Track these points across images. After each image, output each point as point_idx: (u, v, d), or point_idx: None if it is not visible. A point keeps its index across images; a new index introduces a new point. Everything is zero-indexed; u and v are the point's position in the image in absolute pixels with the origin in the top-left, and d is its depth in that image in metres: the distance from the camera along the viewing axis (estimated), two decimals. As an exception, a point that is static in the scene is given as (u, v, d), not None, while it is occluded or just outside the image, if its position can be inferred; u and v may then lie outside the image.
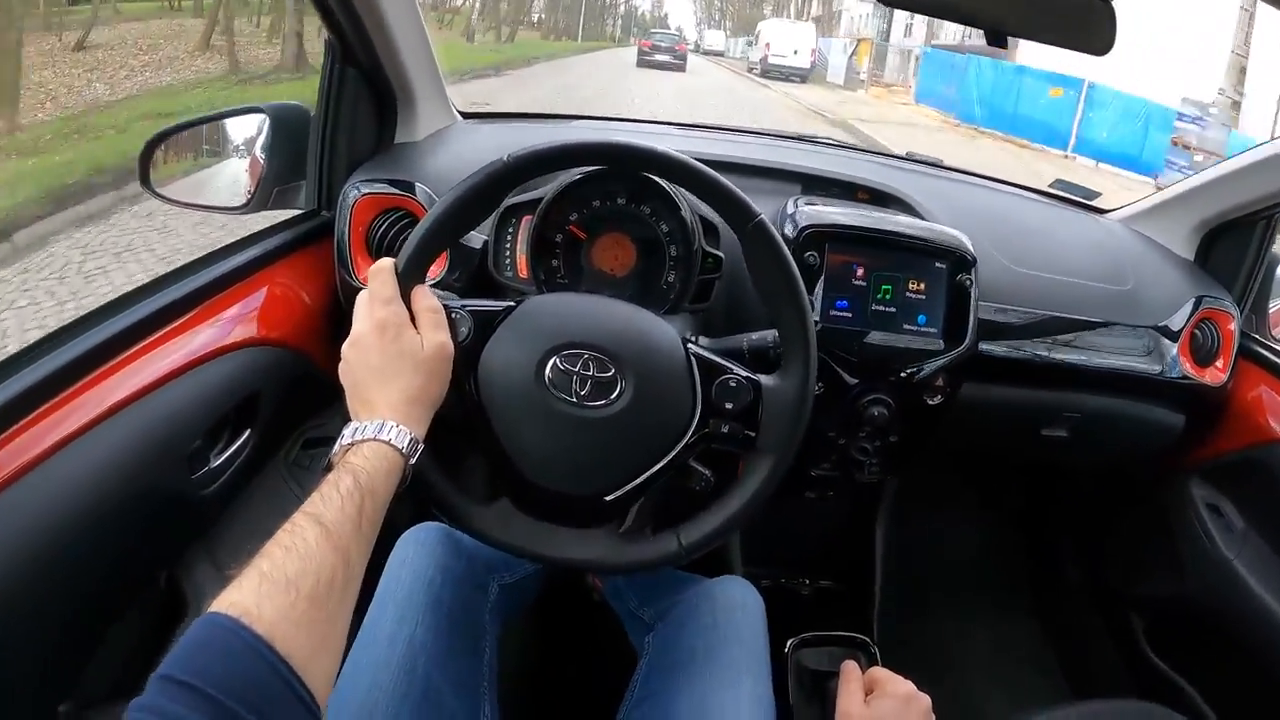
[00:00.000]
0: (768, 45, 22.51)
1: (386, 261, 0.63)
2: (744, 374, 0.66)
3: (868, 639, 0.93)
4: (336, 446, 0.56)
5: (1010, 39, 0.82)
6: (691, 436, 0.65)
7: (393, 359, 0.58)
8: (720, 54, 44.08)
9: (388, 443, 0.55)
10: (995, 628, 1.42)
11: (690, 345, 0.66)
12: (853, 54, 24.27)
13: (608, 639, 0.94)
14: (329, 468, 0.54)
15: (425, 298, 0.62)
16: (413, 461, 0.56)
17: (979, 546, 1.51)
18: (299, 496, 0.93)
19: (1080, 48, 0.85)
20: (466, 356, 0.63)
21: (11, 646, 0.61)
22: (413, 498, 0.60)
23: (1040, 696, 1.31)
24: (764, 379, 0.66)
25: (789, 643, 0.90)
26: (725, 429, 0.65)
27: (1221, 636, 1.08)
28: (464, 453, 0.98)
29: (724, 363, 0.66)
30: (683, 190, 0.83)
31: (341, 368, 0.61)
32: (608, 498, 0.64)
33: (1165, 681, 1.17)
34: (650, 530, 0.67)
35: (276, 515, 0.90)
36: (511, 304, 0.66)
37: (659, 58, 20.39)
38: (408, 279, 0.62)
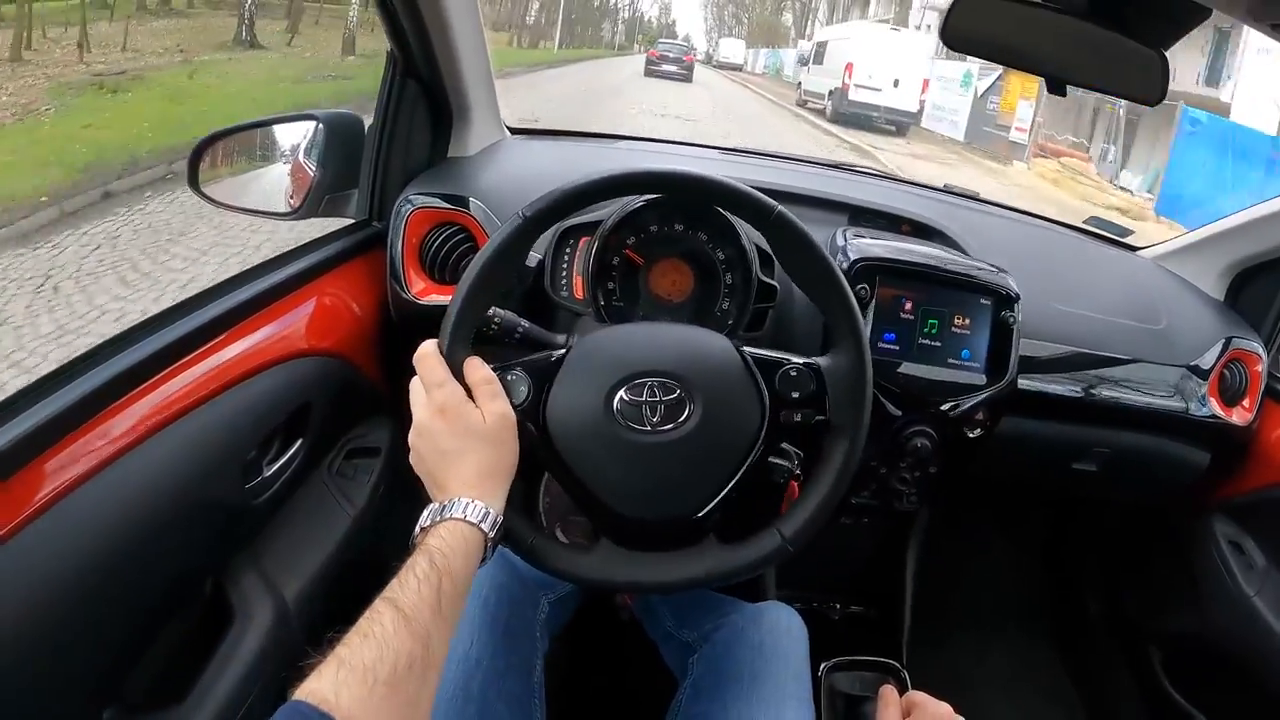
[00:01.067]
0: (849, 70, 13.54)
1: (430, 345, 0.63)
2: (801, 361, 0.67)
3: (898, 664, 0.94)
4: (416, 530, 0.57)
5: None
6: (766, 433, 0.66)
7: (458, 438, 0.59)
8: (737, 67, 37.83)
9: (463, 519, 0.56)
10: (1017, 657, 1.43)
11: (744, 349, 0.68)
12: (989, 92, 12.91)
13: (639, 657, 0.95)
14: (411, 549, 0.55)
15: (478, 369, 0.63)
16: (491, 535, 0.57)
17: (1004, 576, 1.52)
18: (343, 506, 0.95)
19: (1134, 97, 0.87)
20: (531, 414, 0.64)
21: (62, 651, 0.62)
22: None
23: None
24: (821, 360, 0.68)
25: (822, 666, 0.91)
26: (797, 417, 0.67)
27: (1240, 673, 1.10)
28: (537, 497, 0.99)
29: (780, 356, 0.68)
30: (740, 220, 0.84)
31: (412, 458, 0.62)
32: (699, 514, 0.64)
33: (1183, 716, 1.19)
34: (743, 533, 0.68)
35: (321, 524, 0.92)
36: (563, 350, 0.66)
37: (667, 67, 20.55)
38: (454, 355, 0.63)
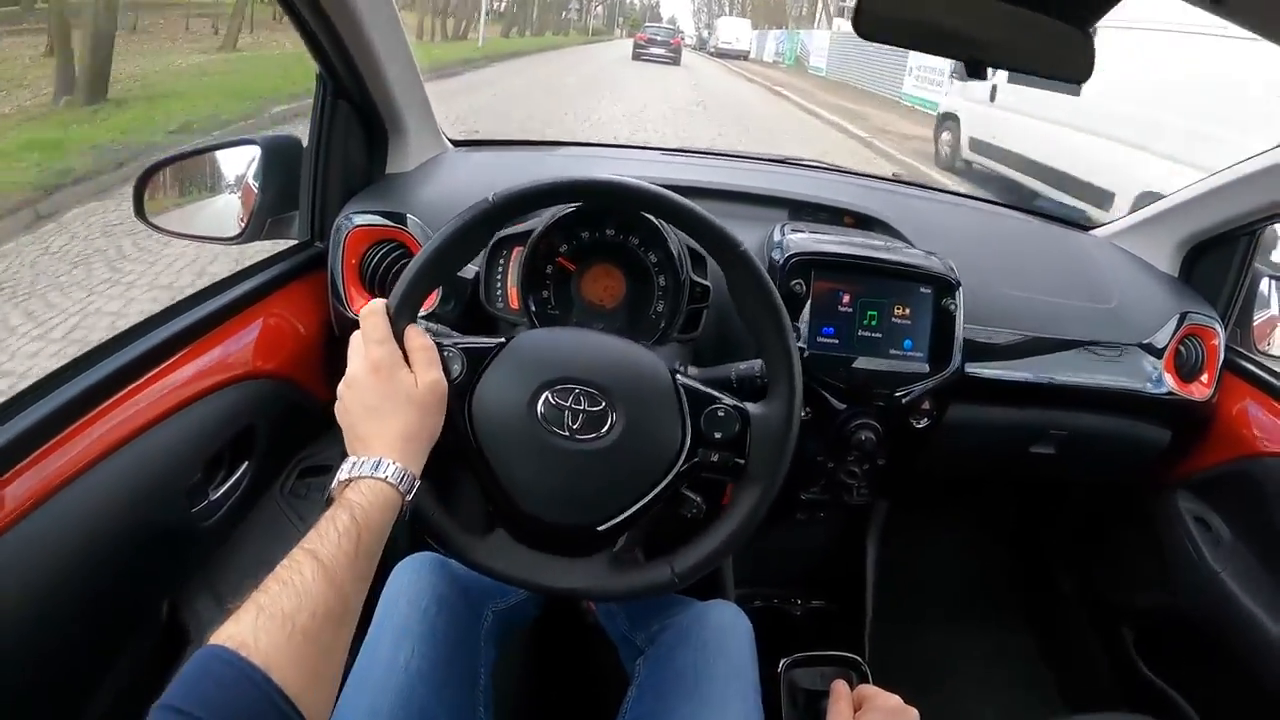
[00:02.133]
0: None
1: (378, 303, 0.64)
2: (731, 403, 0.67)
3: (859, 658, 0.94)
4: (334, 482, 0.57)
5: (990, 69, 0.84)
6: (682, 466, 0.66)
7: (388, 398, 0.60)
8: (742, 55, 29.24)
9: (384, 479, 0.56)
10: (987, 642, 1.43)
11: (679, 376, 0.68)
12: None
13: (600, 662, 0.95)
14: (328, 502, 0.55)
15: (418, 336, 0.64)
16: (409, 497, 0.58)
17: (970, 562, 1.52)
18: (296, 525, 0.96)
19: (1059, 77, 0.87)
20: (459, 393, 0.65)
21: (17, 677, 0.62)
22: (409, 528, 0.62)
23: (1032, 709, 1.32)
24: (751, 407, 0.67)
25: (781, 663, 0.91)
26: (715, 458, 0.67)
27: (1211, 648, 1.09)
28: (460, 486, 0.99)
29: (711, 393, 0.68)
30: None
31: (338, 407, 0.62)
32: (600, 528, 0.65)
33: (1156, 693, 1.18)
34: (643, 558, 0.68)
35: (275, 544, 0.93)
36: (502, 340, 0.67)
37: (655, 50, 20.38)
38: (399, 319, 0.64)
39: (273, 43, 11.66)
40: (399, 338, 0.63)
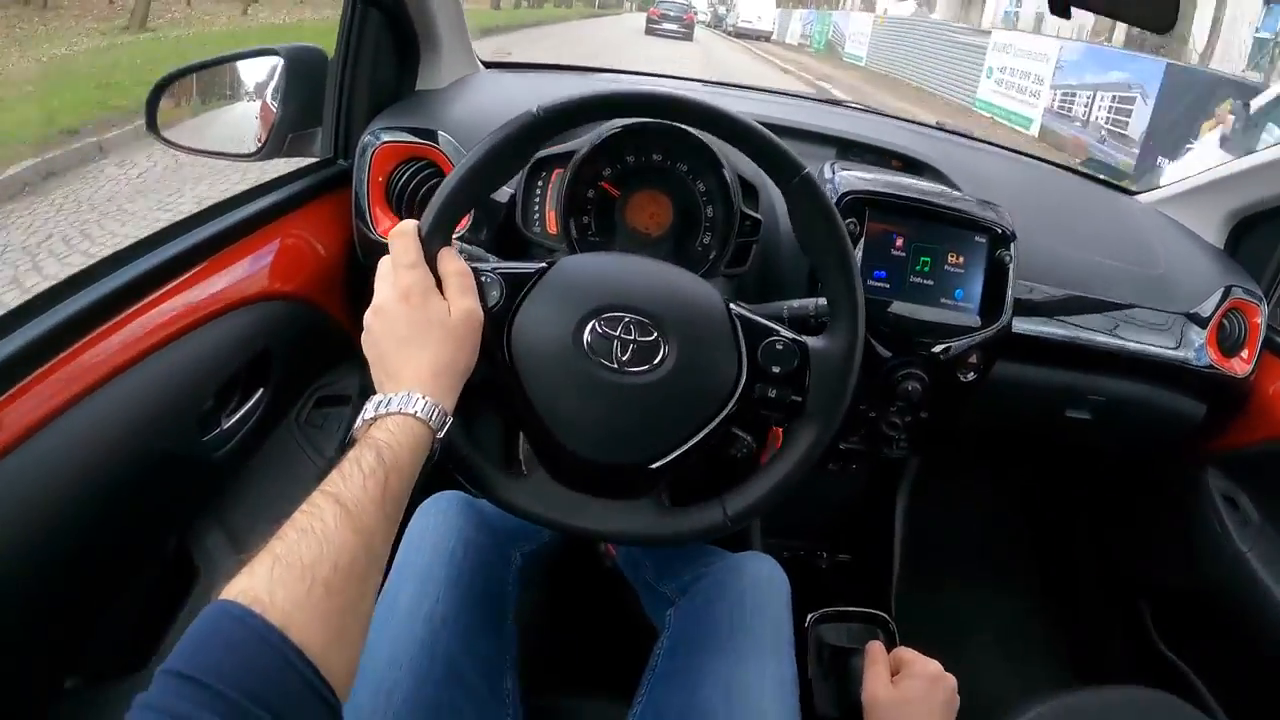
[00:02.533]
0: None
1: (409, 224, 0.59)
2: (790, 336, 0.63)
3: (887, 616, 0.91)
4: (359, 420, 0.52)
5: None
6: (737, 402, 0.62)
7: (419, 327, 0.55)
8: (764, 35, 25.97)
9: (414, 415, 0.51)
10: (1007, 608, 1.42)
11: (734, 308, 0.64)
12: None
13: (620, 608, 0.93)
14: (351, 443, 0.50)
15: (452, 261, 0.59)
16: (440, 435, 0.53)
17: (994, 526, 1.50)
18: (311, 457, 0.92)
19: (1144, 24, 0.83)
20: (497, 322, 0.60)
21: (15, 616, 0.58)
22: (436, 467, 0.57)
23: (1048, 680, 1.31)
24: (811, 341, 0.64)
25: (809, 617, 0.89)
26: (772, 393, 0.63)
27: (1231, 628, 1.08)
28: (497, 423, 0.95)
29: (769, 325, 0.64)
30: (724, 147, 0.79)
31: (365, 338, 0.57)
32: (652, 466, 0.61)
33: (1173, 670, 1.17)
34: (682, 499, 0.65)
35: (289, 477, 0.88)
36: (544, 265, 0.62)
37: (667, 25, 20.23)
38: (432, 241, 0.59)
39: (206, 17, 10.06)
40: (431, 262, 0.58)
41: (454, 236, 0.72)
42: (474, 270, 0.60)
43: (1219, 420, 1.11)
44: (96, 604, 0.68)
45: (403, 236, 0.58)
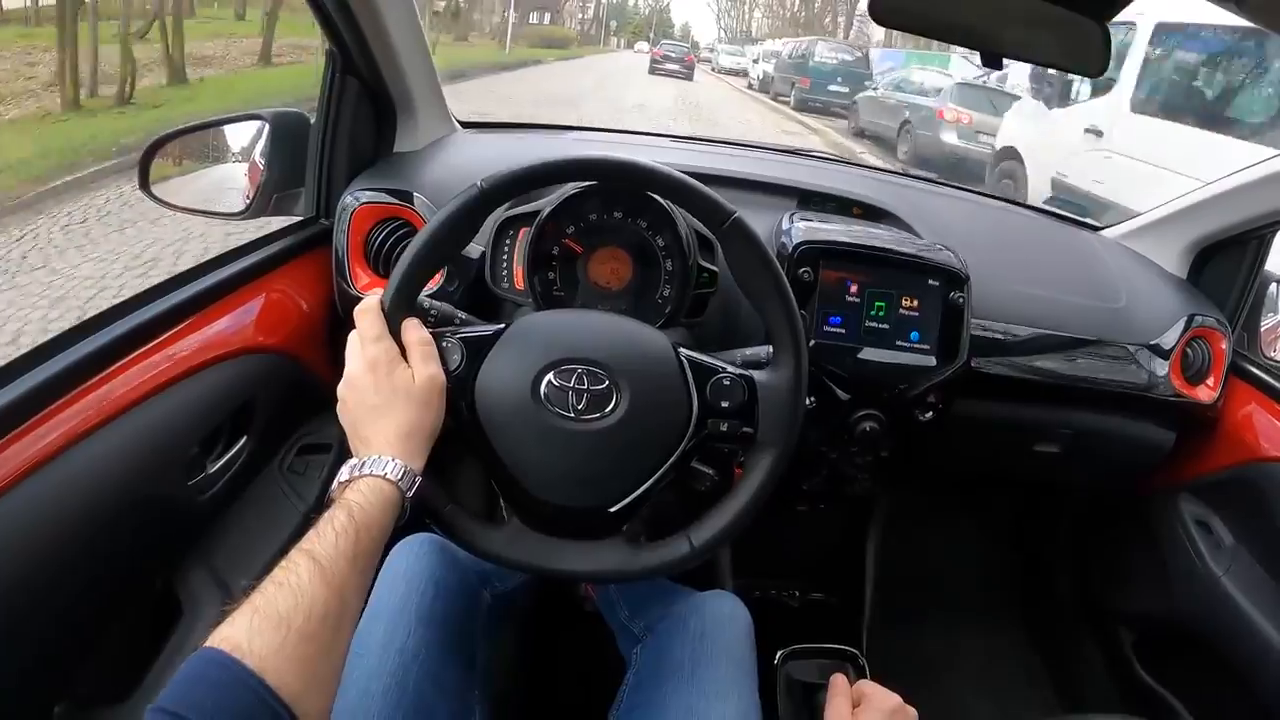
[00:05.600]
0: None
1: (372, 300, 0.64)
2: (736, 371, 0.67)
3: (856, 651, 0.93)
4: (335, 484, 0.57)
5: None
6: (690, 439, 0.66)
7: (386, 395, 0.59)
8: (739, 72, 26.12)
9: (384, 477, 0.56)
10: (985, 641, 1.43)
11: (682, 351, 0.67)
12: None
13: (598, 649, 0.95)
14: (329, 503, 0.55)
15: (414, 330, 0.63)
16: (410, 494, 0.57)
17: (970, 560, 1.51)
18: (294, 502, 0.95)
19: (1074, 69, 0.86)
20: (461, 384, 0.64)
21: (7, 647, 0.62)
22: (413, 515, 0.61)
23: (1029, 710, 1.32)
24: (756, 374, 0.67)
25: (778, 654, 0.90)
26: (724, 427, 0.66)
27: (1209, 653, 1.09)
28: (468, 476, 0.98)
29: (715, 363, 0.67)
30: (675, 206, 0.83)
31: (339, 409, 0.62)
32: (613, 508, 0.64)
33: (1153, 696, 1.18)
34: (660, 535, 0.68)
35: (272, 522, 0.92)
36: (501, 327, 0.66)
37: (669, 66, 21.38)
38: (395, 314, 0.63)
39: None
40: (396, 333, 0.63)
41: (428, 293, 0.76)
42: (436, 336, 0.64)
43: (1189, 447, 1.13)
44: (87, 636, 0.71)
45: (367, 313, 0.63)
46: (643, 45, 35.70)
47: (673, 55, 21.92)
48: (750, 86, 19.67)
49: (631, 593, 0.91)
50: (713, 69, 30.47)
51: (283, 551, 0.89)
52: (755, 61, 22.04)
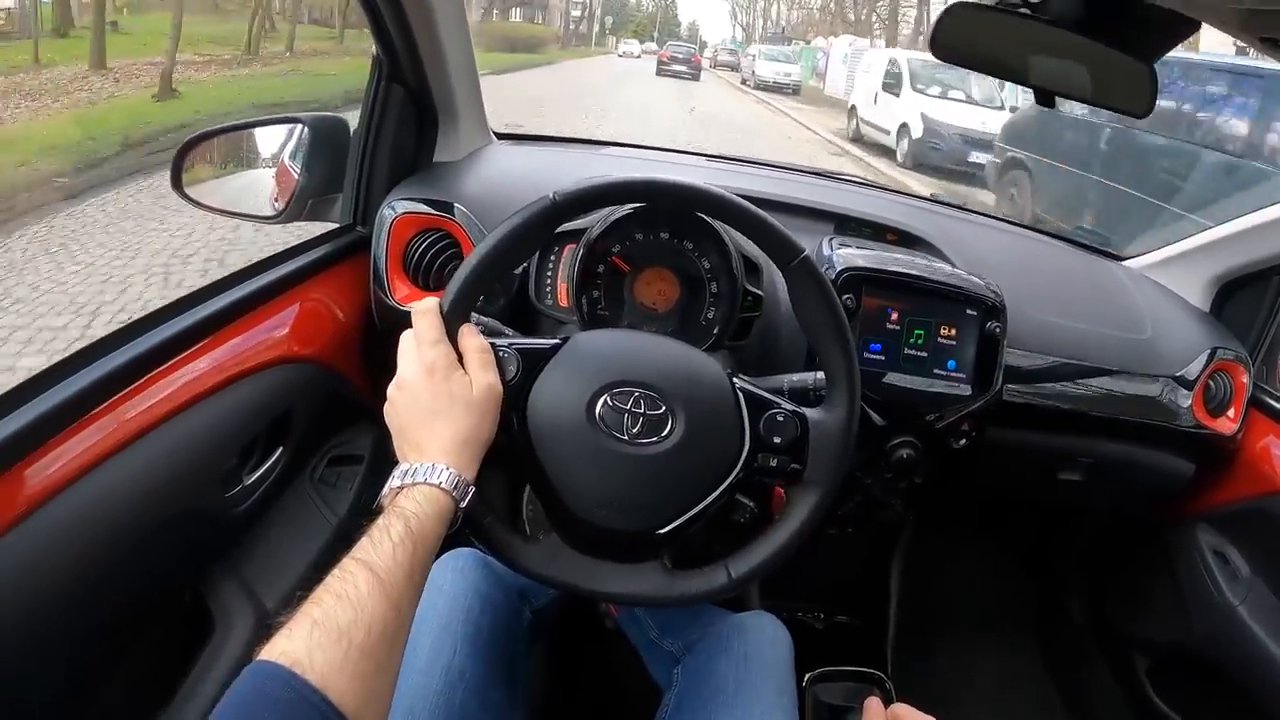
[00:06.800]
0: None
1: (431, 301, 0.62)
2: (790, 408, 0.67)
3: (883, 674, 0.94)
4: (386, 489, 0.55)
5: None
6: (740, 471, 0.65)
7: (444, 401, 0.58)
8: (731, 65, 24.30)
9: (439, 486, 0.54)
10: (1002, 664, 1.44)
11: (736, 380, 0.67)
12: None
13: (624, 666, 0.95)
14: (378, 509, 0.53)
15: (473, 337, 0.62)
16: (464, 505, 0.56)
17: (989, 585, 1.53)
18: (324, 513, 0.94)
19: (1122, 109, 0.87)
20: (514, 395, 0.63)
21: (39, 658, 0.61)
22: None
23: None
24: (810, 413, 0.67)
25: (806, 676, 0.91)
26: (773, 462, 0.66)
27: (1225, 682, 1.10)
28: (503, 484, 0.98)
29: (770, 397, 0.67)
30: (726, 227, 0.83)
31: (387, 410, 0.60)
32: (659, 532, 0.64)
33: None
34: (685, 562, 0.67)
35: (303, 533, 0.91)
36: (559, 341, 0.66)
37: (676, 67, 21.32)
38: (454, 318, 0.62)
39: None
40: (453, 338, 0.61)
41: None
42: (493, 345, 0.63)
43: (1208, 478, 1.14)
44: (117, 647, 0.70)
45: (426, 314, 0.61)
46: (630, 45, 32.11)
47: (680, 57, 21.96)
48: (857, 139, 10.33)
49: (661, 612, 0.91)
50: (747, 82, 20.59)
51: (314, 563, 0.89)
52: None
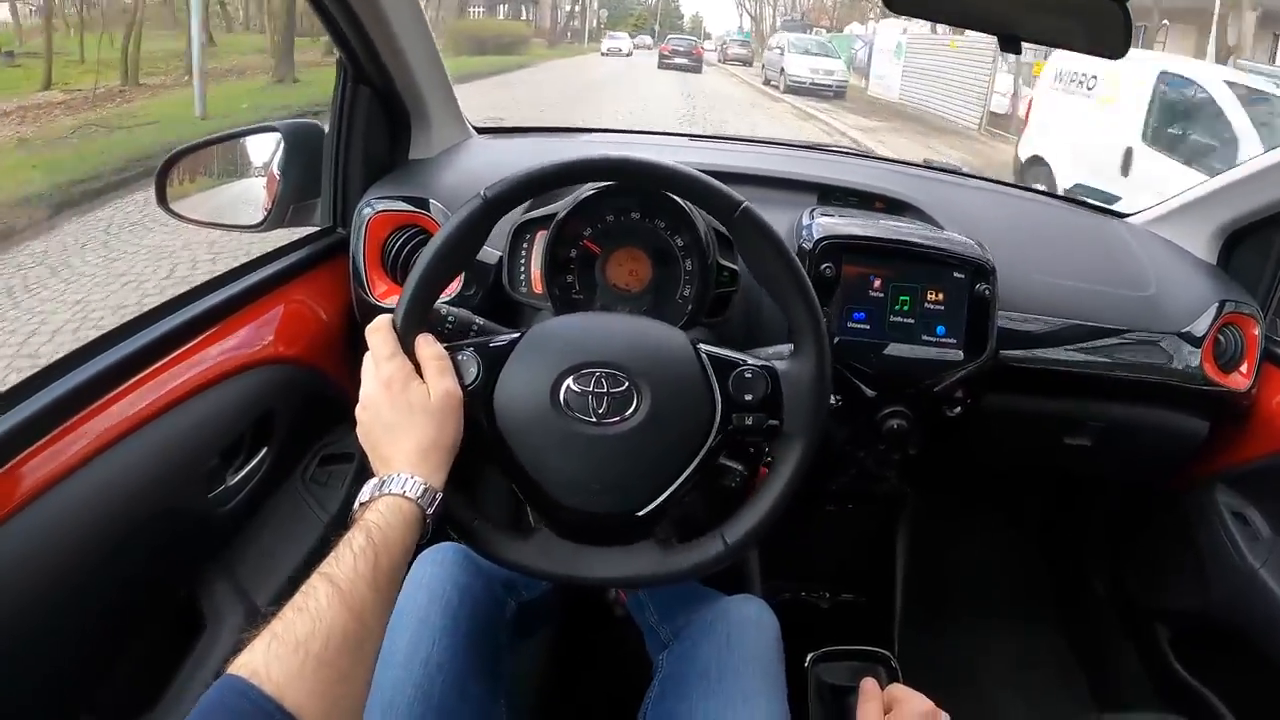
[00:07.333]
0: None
1: (383, 319, 0.63)
2: (757, 363, 0.66)
3: (888, 653, 0.92)
4: (356, 504, 0.56)
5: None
6: (716, 436, 0.65)
7: (402, 413, 0.59)
8: (744, 60, 22.47)
9: (401, 495, 0.55)
10: (1018, 640, 1.40)
11: (701, 346, 0.66)
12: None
13: (629, 654, 0.94)
14: (349, 525, 0.54)
15: (428, 345, 0.63)
16: (430, 511, 0.57)
17: (1001, 559, 1.49)
18: (316, 513, 0.95)
19: (1095, 51, 0.85)
20: (480, 396, 0.63)
21: (31, 659, 0.62)
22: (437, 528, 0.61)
23: (1064, 710, 1.29)
24: (779, 364, 0.66)
25: (809, 657, 0.89)
26: (749, 421, 0.65)
27: (1248, 648, 1.06)
28: (494, 489, 0.98)
29: (735, 356, 0.66)
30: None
31: (359, 431, 0.62)
32: (641, 512, 0.63)
33: (1191, 694, 1.15)
34: (690, 536, 0.67)
35: (295, 533, 0.92)
36: (517, 335, 0.66)
37: (678, 60, 20.48)
38: (407, 330, 0.63)
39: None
40: (409, 350, 0.62)
41: (446, 299, 0.75)
42: (452, 349, 0.64)
43: (1223, 436, 1.10)
44: (110, 647, 0.72)
45: (378, 331, 0.62)
46: (617, 40, 25.27)
47: (680, 49, 21.19)
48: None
49: (659, 596, 0.90)
50: (772, 82, 15.96)
51: (306, 563, 0.90)
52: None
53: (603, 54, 23.56)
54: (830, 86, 14.35)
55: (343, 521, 0.82)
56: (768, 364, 0.66)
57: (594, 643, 1.15)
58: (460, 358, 0.63)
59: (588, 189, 0.84)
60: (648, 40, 32.30)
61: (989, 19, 0.78)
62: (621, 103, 11.60)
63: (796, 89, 14.33)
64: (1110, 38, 0.80)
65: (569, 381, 0.63)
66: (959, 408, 0.91)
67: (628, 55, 23.70)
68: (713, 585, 0.88)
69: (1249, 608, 1.05)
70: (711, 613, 0.81)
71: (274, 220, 1.02)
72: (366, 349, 0.63)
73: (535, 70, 16.64)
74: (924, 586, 1.23)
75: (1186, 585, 1.17)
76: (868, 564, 1.22)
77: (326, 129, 1.02)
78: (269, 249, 1.00)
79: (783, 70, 15.10)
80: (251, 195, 1.08)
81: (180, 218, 1.02)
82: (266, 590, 0.85)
